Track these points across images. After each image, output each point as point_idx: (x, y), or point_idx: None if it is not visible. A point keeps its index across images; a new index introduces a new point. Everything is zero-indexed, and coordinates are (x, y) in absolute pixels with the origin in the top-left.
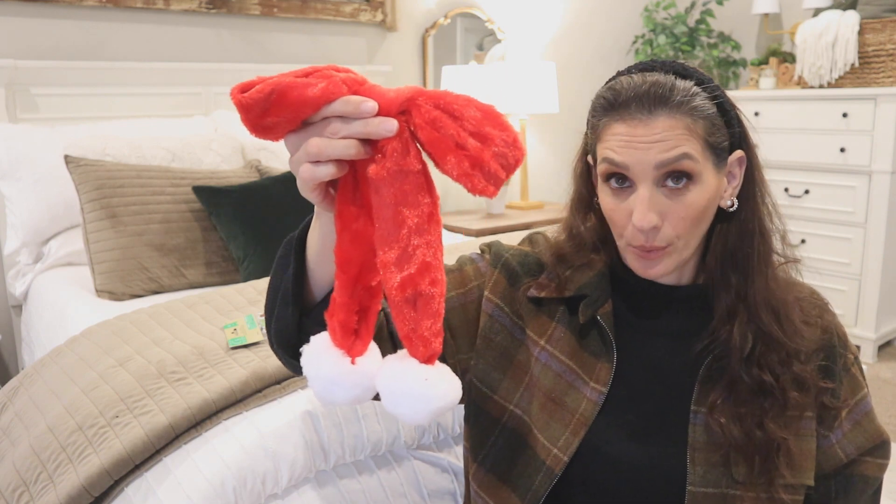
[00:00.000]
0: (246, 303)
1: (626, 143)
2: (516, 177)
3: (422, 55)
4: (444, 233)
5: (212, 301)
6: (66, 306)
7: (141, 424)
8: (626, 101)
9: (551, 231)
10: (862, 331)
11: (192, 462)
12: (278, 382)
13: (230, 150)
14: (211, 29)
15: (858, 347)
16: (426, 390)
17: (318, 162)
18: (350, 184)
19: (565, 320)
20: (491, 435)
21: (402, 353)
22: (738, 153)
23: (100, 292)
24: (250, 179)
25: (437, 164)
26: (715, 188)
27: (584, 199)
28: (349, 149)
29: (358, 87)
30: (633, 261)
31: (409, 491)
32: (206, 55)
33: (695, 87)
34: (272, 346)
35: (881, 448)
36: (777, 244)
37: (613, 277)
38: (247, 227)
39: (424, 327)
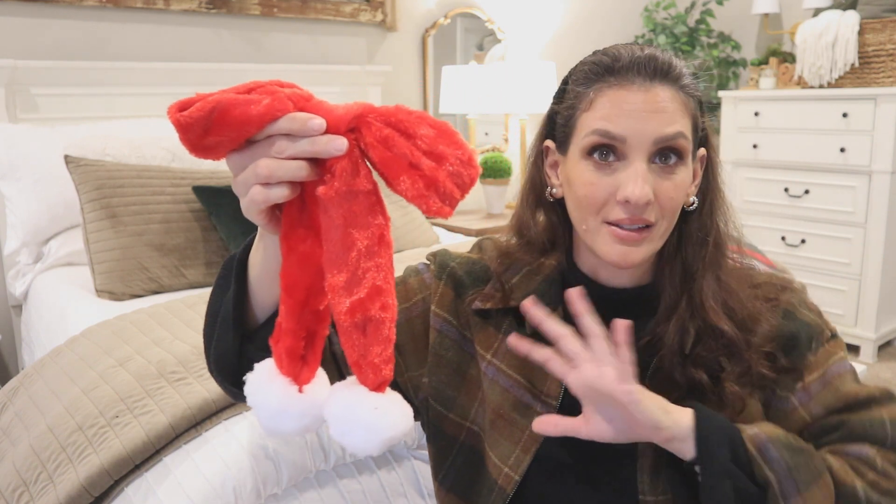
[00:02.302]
0: None
1: (625, 111)
2: (516, 177)
3: (422, 55)
4: (444, 233)
5: None
6: (66, 306)
7: (141, 424)
8: (626, 66)
9: (500, 236)
10: (862, 331)
11: (192, 462)
12: None
13: None
14: (211, 29)
15: (858, 347)
16: (376, 420)
17: (268, 184)
18: (297, 205)
19: (512, 332)
20: (449, 454)
21: (352, 380)
22: (702, 151)
23: (100, 292)
24: None
25: (389, 185)
26: (692, 175)
27: (537, 188)
28: (300, 170)
29: (304, 103)
30: (609, 246)
31: (409, 491)
32: (206, 55)
33: (686, 69)
34: (211, 373)
35: (863, 405)
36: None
37: (564, 282)
38: (247, 227)
39: (374, 353)
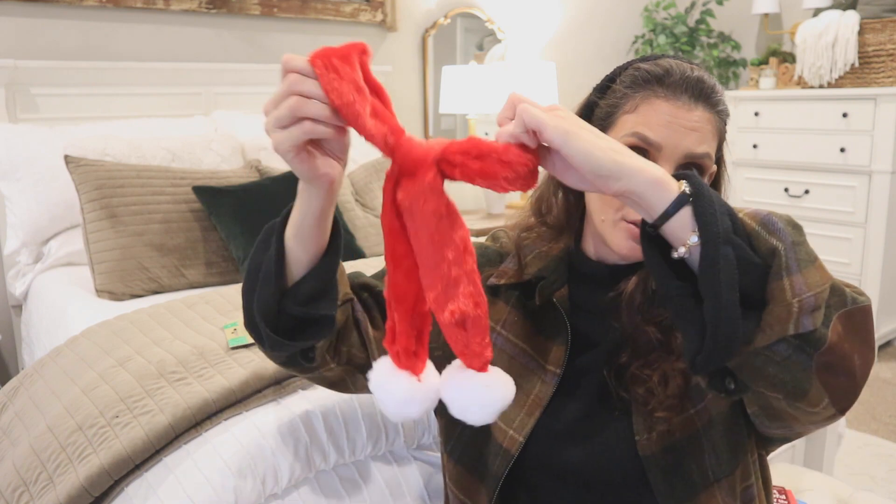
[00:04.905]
0: None
1: (667, 123)
2: None
3: (422, 55)
4: None
5: (212, 301)
6: (66, 306)
7: (141, 424)
8: (677, 82)
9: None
10: None
11: (192, 462)
12: (278, 383)
13: (230, 150)
14: (211, 29)
15: None
16: (489, 395)
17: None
18: (396, 228)
19: (520, 305)
20: (458, 425)
21: (458, 364)
22: (713, 168)
23: (100, 292)
24: (250, 179)
25: (489, 185)
26: None
27: None
28: (324, 110)
29: (398, 135)
30: (622, 239)
31: (409, 491)
32: (206, 55)
33: (723, 95)
34: (249, 326)
35: None
36: None
37: (571, 264)
38: (247, 227)
39: (475, 343)
